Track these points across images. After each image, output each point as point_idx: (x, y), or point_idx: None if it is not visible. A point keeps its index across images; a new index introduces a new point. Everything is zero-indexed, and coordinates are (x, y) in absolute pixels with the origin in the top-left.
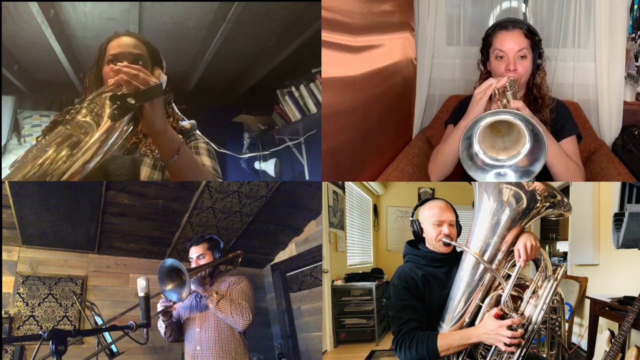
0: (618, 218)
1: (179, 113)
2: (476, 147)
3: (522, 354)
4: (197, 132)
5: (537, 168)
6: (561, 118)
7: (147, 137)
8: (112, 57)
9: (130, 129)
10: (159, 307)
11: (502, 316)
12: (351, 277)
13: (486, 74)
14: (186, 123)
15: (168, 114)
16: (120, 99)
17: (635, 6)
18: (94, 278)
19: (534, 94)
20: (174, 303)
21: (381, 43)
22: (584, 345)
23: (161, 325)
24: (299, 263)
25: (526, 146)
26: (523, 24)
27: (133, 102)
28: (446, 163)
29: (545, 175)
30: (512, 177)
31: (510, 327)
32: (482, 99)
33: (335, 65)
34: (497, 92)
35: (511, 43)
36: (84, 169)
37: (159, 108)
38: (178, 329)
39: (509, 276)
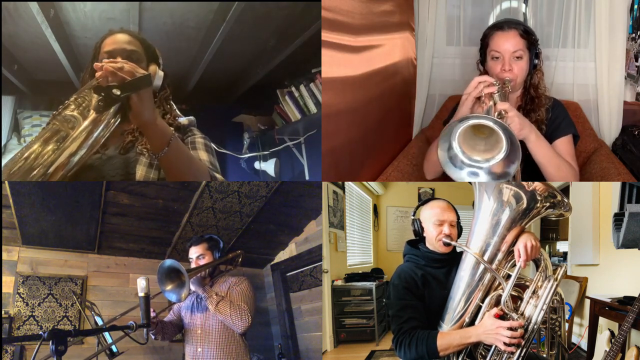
0: (618, 218)
1: (177, 111)
2: (455, 148)
3: (522, 354)
4: (195, 128)
5: (512, 170)
6: (557, 117)
7: (143, 136)
8: (107, 54)
9: (118, 122)
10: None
11: (502, 316)
12: (351, 277)
13: (485, 75)
14: (184, 119)
15: (165, 110)
16: (105, 90)
17: (635, 6)
18: (94, 278)
19: (531, 93)
20: (161, 311)
21: (381, 43)
22: (584, 345)
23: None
24: (299, 263)
25: (501, 154)
26: (519, 24)
27: (118, 93)
28: (438, 162)
29: (537, 174)
30: (485, 178)
31: (510, 327)
32: (468, 100)
33: (335, 65)
34: (483, 94)
35: (506, 44)
36: (70, 162)
37: (147, 99)
38: (174, 327)
39: (509, 276)
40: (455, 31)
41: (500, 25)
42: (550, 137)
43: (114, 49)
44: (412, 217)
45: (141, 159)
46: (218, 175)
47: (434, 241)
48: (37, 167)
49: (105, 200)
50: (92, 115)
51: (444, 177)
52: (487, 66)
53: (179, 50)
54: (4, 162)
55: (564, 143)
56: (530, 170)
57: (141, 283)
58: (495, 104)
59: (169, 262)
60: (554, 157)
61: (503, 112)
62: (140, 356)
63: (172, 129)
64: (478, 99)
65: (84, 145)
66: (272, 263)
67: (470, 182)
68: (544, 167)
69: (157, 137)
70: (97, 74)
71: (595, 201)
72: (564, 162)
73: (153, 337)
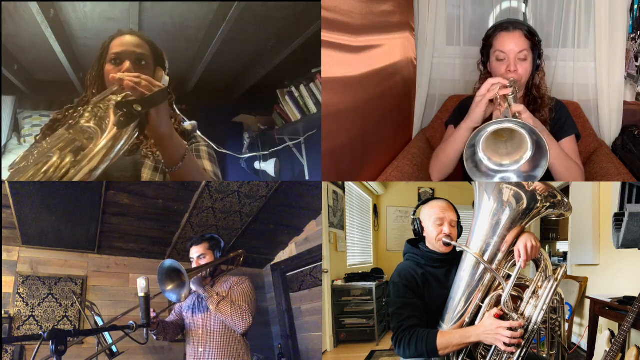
0: (618, 218)
1: (181, 116)
2: (480, 155)
3: (522, 354)
4: (198, 133)
5: (540, 173)
6: (560, 118)
7: (149, 139)
8: (115, 55)
9: (136, 135)
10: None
11: (502, 316)
12: (351, 277)
13: (486, 75)
14: (187, 124)
15: (170, 115)
16: (126, 106)
17: (635, 6)
18: (94, 278)
19: (534, 94)
20: (161, 312)
21: (381, 43)
22: (584, 345)
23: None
24: (299, 263)
25: (528, 153)
26: (524, 25)
27: (140, 109)
28: (447, 163)
29: (546, 175)
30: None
31: (510, 327)
32: (482, 101)
33: (335, 65)
34: (498, 95)
35: (512, 44)
36: (90, 177)
37: (164, 113)
38: (176, 327)
39: (509, 276)
40: (455, 31)
41: (506, 26)
42: (555, 138)
43: (123, 51)
44: (412, 217)
45: (146, 162)
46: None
47: (434, 241)
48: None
49: (105, 200)
50: (113, 131)
51: (449, 178)
52: (491, 67)
53: (179, 50)
54: (4, 162)
55: (569, 143)
56: None
57: (141, 283)
58: (510, 105)
59: (169, 262)
60: (564, 157)
61: (517, 114)
62: (140, 356)
63: (186, 143)
64: (491, 101)
65: (105, 160)
66: (272, 263)
67: (470, 182)
68: (554, 167)
69: (172, 152)
70: (115, 86)
71: (595, 201)
72: (573, 162)
73: (155, 337)
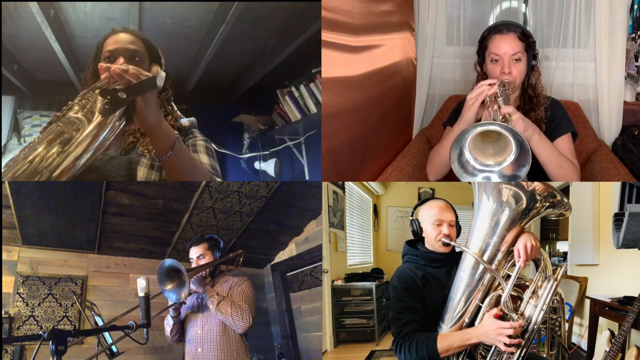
0: (618, 218)
1: (179, 112)
2: (467, 155)
3: (522, 354)
4: (196, 130)
5: (523, 173)
6: (556, 116)
7: (145, 137)
8: (109, 53)
9: (123, 124)
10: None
11: (502, 316)
12: (351, 277)
13: (483, 76)
14: (185, 121)
15: (167, 111)
16: (111, 93)
17: (635, 6)
18: (94, 278)
19: (529, 93)
20: (161, 312)
21: (381, 43)
22: (584, 345)
23: (168, 323)
24: (299, 263)
25: (511, 156)
26: (517, 27)
27: (124, 96)
28: (443, 164)
29: (540, 174)
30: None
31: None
32: (474, 105)
33: (335, 65)
34: (488, 98)
35: (506, 46)
36: (75, 165)
37: (152, 102)
38: (183, 328)
39: (508, 276)
40: (455, 31)
41: (500, 28)
42: (550, 136)
43: (116, 49)
44: (411, 218)
45: (142, 160)
46: (218, 179)
47: (433, 241)
48: (41, 171)
49: (105, 200)
50: (98, 118)
51: (445, 178)
52: (487, 68)
53: (179, 50)
54: (4, 162)
55: (564, 141)
56: (534, 170)
57: (141, 283)
58: (499, 107)
59: (169, 261)
60: (557, 156)
61: (507, 116)
62: (140, 356)
63: (176, 132)
64: (482, 103)
65: (90, 148)
66: (272, 263)
67: (469, 182)
68: (547, 165)
69: (162, 141)
70: (102, 76)
71: (595, 201)
72: (567, 161)
73: (170, 334)
